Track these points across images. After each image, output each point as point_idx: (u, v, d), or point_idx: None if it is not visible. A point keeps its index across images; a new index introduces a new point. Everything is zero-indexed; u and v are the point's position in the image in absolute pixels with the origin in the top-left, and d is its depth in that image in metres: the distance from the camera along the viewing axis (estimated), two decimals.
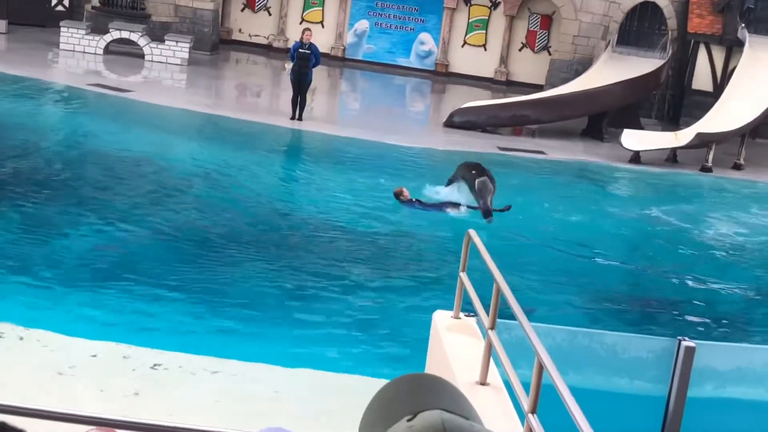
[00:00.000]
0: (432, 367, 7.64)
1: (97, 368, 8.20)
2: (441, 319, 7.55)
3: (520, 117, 21.82)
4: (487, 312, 6.49)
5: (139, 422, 4.61)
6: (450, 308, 7.67)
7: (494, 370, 6.51)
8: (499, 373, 6.44)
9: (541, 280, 11.90)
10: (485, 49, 27.88)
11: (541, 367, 5.14)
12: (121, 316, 9.45)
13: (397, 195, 14.44)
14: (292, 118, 19.44)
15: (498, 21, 27.69)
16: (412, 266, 12.16)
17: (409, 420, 1.35)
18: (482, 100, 23.03)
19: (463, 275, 7.25)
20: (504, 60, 27.72)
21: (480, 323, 7.06)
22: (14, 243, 11.15)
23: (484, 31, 27.82)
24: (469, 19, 27.79)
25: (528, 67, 27.42)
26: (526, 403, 5.32)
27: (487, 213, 13.92)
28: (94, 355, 8.43)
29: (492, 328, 6.29)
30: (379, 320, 10.21)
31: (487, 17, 27.78)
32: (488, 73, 27.67)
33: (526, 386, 5.47)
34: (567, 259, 13.13)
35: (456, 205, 14.47)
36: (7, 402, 4.80)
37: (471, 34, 27.85)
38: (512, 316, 5.77)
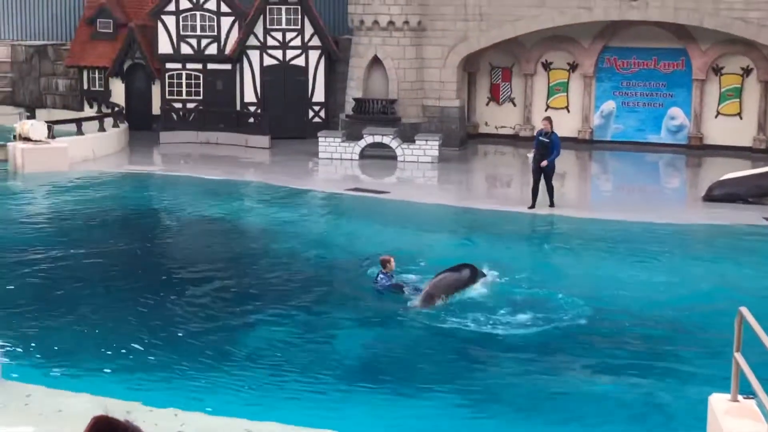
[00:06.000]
0: None
1: None
2: (718, 402, 7.27)
3: None
4: None
5: None
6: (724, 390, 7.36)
7: None
8: None
9: None
10: (741, 118, 26.86)
11: None
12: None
13: (384, 263, 13.68)
14: (531, 207, 19.23)
15: (752, 87, 26.65)
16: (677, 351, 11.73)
17: None
18: (742, 170, 22.10)
19: (738, 355, 6.98)
20: (762, 127, 26.56)
21: (761, 405, 6.74)
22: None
23: (738, 99, 26.84)
24: (720, 88, 26.93)
25: None
26: None
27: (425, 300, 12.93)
28: None
29: None
30: (650, 407, 9.91)
31: (740, 85, 26.82)
32: (746, 142, 26.59)
33: None
34: None
35: (408, 287, 13.63)
36: None
37: (724, 103, 26.94)
38: None
